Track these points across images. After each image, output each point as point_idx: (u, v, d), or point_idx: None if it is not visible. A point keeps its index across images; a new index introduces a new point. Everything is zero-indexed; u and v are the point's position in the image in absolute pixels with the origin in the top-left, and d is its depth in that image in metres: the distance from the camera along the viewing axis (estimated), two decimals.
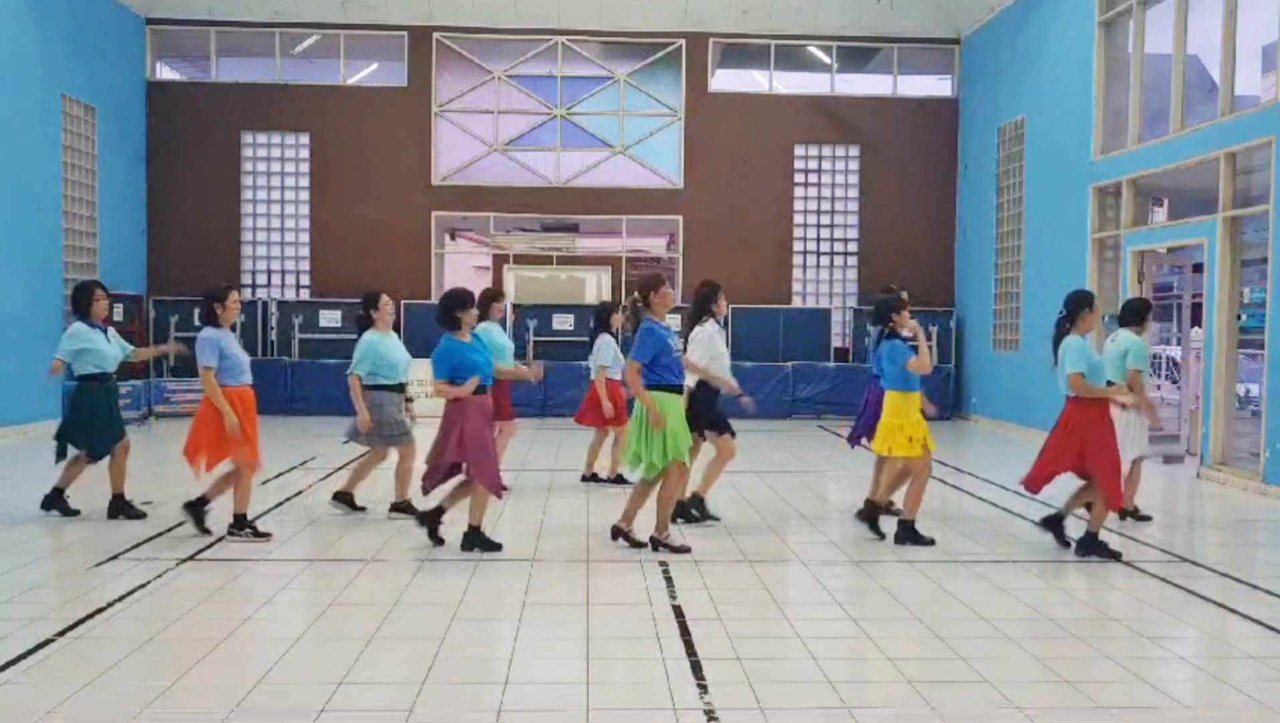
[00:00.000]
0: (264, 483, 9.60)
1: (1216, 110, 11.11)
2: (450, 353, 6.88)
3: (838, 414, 16.33)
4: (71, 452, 8.07)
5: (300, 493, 9.29)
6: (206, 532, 7.34)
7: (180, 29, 17.52)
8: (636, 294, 7.05)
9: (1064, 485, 7.39)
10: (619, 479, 9.72)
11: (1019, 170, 15.48)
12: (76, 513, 8.00)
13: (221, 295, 7.37)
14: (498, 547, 6.99)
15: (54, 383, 8.08)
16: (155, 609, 5.63)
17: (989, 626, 5.54)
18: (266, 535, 7.37)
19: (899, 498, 7.82)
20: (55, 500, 8.02)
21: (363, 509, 8.21)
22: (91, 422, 7.93)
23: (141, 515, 7.96)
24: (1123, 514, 8.15)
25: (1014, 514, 8.67)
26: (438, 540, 7.08)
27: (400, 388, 8.11)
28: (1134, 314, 8.26)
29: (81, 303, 8.08)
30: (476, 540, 6.97)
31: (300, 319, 16.95)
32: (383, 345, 8.00)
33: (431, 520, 7.10)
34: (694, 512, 8.06)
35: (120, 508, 7.99)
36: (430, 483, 6.92)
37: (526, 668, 4.79)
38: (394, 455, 8.22)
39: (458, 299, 7.02)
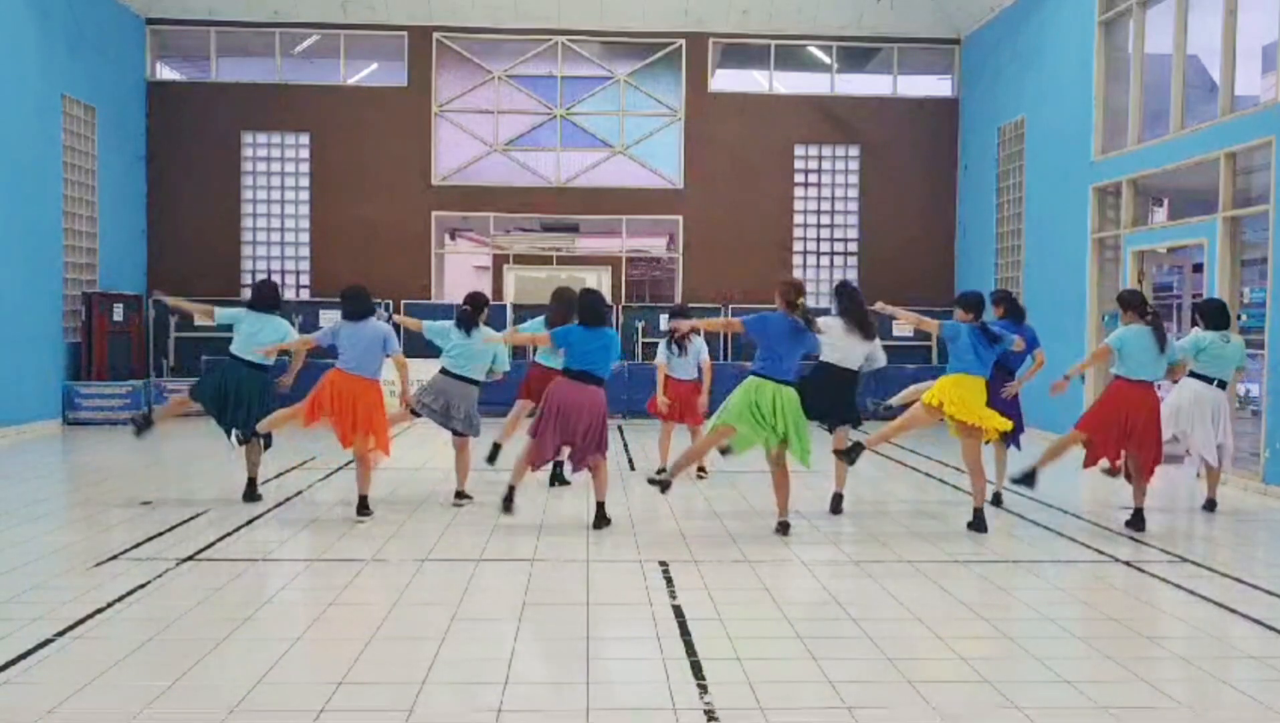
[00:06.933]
0: (263, 483, 9.61)
1: (1216, 110, 11.11)
2: None
3: None
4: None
5: (300, 493, 9.29)
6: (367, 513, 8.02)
7: (180, 29, 17.50)
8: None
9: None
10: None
11: (1019, 170, 15.48)
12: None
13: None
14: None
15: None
16: (155, 609, 5.62)
17: (989, 625, 5.55)
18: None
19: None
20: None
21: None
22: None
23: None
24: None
25: (1014, 514, 8.67)
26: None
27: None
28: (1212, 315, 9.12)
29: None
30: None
31: (300, 319, 16.91)
32: None
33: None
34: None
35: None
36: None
37: (526, 668, 4.78)
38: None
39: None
